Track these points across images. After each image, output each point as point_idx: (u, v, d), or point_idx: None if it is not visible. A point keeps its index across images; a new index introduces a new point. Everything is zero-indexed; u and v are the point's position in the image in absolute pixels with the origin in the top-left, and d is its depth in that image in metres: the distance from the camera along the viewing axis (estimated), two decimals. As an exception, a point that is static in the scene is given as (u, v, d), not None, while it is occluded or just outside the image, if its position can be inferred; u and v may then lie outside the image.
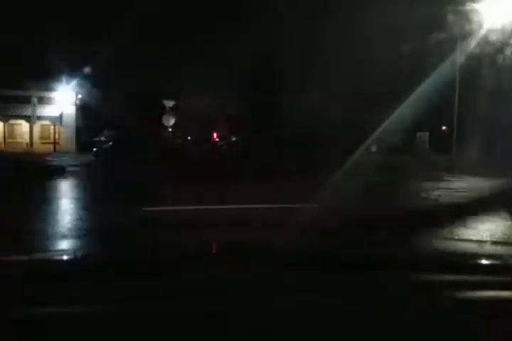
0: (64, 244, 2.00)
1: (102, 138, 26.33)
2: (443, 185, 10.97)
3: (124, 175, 11.62)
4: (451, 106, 23.85)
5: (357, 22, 23.27)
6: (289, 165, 16.64)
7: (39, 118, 24.08)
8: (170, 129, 20.36)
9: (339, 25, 24.47)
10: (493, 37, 19.70)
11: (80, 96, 27.15)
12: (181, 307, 0.76)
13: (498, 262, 1.10)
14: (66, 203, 7.72)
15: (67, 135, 28.58)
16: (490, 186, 10.93)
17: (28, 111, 22.42)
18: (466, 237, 5.07)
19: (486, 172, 14.35)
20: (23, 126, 26.91)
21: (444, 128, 29.98)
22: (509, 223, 6.06)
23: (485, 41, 19.75)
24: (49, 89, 26.35)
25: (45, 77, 25.04)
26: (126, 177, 10.93)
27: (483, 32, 19.43)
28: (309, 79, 26.86)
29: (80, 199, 8.26)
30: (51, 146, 28.54)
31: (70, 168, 14.36)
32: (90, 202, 7.93)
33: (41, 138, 28.69)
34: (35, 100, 19.02)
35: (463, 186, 10.74)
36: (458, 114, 23.98)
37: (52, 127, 29.05)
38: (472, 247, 1.37)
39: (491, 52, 20.52)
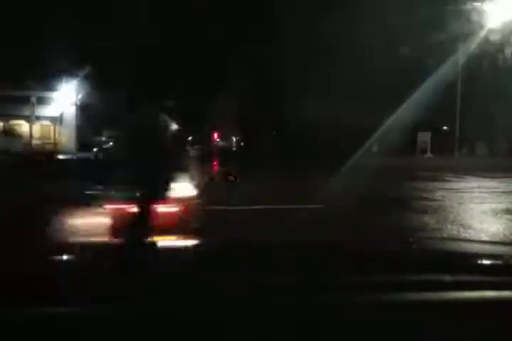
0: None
1: (103, 139, 26.29)
2: (446, 185, 10.88)
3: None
4: (453, 106, 23.75)
5: (357, 22, 23.19)
6: (289, 166, 16.57)
7: (38, 118, 23.96)
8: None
9: (340, 26, 24.38)
10: (495, 36, 19.61)
11: (80, 96, 27.02)
12: (181, 307, 0.75)
13: (498, 262, 1.10)
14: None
15: (67, 135, 28.44)
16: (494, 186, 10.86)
17: (28, 111, 22.30)
18: (466, 237, 5.04)
19: (489, 172, 14.29)
20: (23, 126, 26.77)
21: (445, 128, 29.86)
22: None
23: (486, 41, 19.66)
24: (49, 89, 26.22)
25: (45, 77, 24.94)
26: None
27: (484, 32, 19.36)
28: (310, 80, 26.77)
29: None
30: (51, 146, 28.42)
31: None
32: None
33: (41, 138, 28.54)
34: (34, 100, 18.85)
35: (466, 186, 10.66)
36: (460, 113, 23.90)
37: (52, 127, 28.92)
38: (472, 247, 1.38)
39: (493, 52, 20.44)
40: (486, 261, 1.11)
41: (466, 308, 0.79)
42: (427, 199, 8.20)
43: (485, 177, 13.36)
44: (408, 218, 6.27)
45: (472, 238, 5.01)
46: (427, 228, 5.52)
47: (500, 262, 1.09)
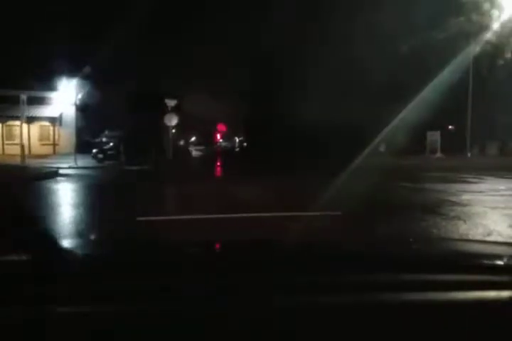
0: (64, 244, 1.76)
1: (103, 139, 25.83)
2: (467, 187, 10.32)
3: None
4: (462, 105, 23.39)
5: (360, 20, 22.81)
6: (292, 166, 16.32)
7: (34, 118, 23.54)
8: (173, 130, 19.77)
9: (343, 23, 24.03)
10: (505, 35, 19.42)
11: (79, 96, 26.57)
12: (182, 306, 0.76)
13: (498, 262, 1.07)
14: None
15: (66, 136, 27.95)
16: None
17: (25, 112, 21.91)
18: (469, 237, 4.82)
19: (505, 173, 13.86)
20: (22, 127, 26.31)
21: (450, 127, 29.48)
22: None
23: (496, 40, 19.46)
24: (48, 89, 25.82)
25: (44, 77, 24.59)
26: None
27: (494, 31, 19.18)
28: (315, 79, 26.34)
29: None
30: (51, 148, 27.95)
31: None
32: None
33: (40, 139, 28.09)
34: (24, 98, 18.59)
35: (487, 188, 10.12)
36: (471, 113, 23.54)
37: (51, 128, 28.45)
38: (473, 247, 1.35)
39: (503, 51, 20.14)
40: (486, 261, 1.08)
41: (466, 308, 0.78)
42: (453, 203, 7.61)
43: (503, 177, 12.91)
44: (443, 225, 5.71)
45: (474, 238, 4.81)
46: (439, 229, 5.14)
47: (500, 262, 1.07)
